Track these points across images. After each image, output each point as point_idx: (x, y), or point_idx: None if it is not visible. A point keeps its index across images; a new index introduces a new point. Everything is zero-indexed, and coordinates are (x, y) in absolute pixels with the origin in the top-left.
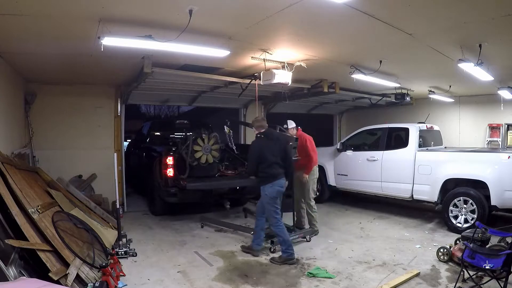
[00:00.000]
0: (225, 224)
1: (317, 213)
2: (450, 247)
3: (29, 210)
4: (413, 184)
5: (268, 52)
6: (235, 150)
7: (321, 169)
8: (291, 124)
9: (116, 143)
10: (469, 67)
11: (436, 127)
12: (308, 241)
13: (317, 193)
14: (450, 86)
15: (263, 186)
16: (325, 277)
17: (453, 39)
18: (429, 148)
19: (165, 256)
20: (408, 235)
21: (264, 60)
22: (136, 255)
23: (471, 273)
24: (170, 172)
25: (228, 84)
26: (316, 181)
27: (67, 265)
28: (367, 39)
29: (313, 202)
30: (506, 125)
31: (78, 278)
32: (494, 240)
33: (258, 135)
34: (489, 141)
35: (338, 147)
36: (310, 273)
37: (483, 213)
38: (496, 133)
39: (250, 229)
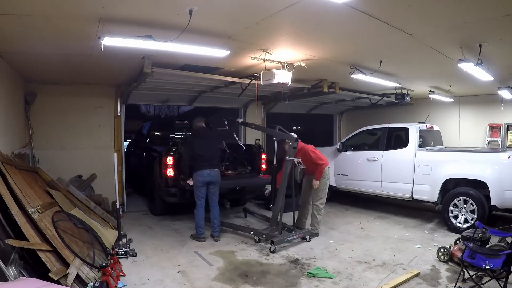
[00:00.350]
0: (225, 224)
1: (322, 217)
2: (450, 247)
3: (29, 210)
4: (413, 184)
5: (268, 52)
6: (243, 146)
7: None
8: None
9: (116, 143)
10: (469, 67)
11: (436, 127)
12: (308, 241)
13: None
14: (450, 86)
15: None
16: (325, 277)
17: (453, 39)
18: (429, 148)
19: (165, 256)
20: (408, 235)
21: (264, 60)
22: (136, 255)
23: (471, 273)
24: (170, 172)
25: (228, 84)
26: (327, 182)
27: (67, 265)
28: (367, 39)
29: (322, 206)
30: (506, 125)
31: (78, 278)
32: (494, 240)
33: (192, 132)
34: (489, 141)
35: (338, 147)
36: (310, 273)
37: (483, 213)
38: (496, 133)
39: (250, 229)
